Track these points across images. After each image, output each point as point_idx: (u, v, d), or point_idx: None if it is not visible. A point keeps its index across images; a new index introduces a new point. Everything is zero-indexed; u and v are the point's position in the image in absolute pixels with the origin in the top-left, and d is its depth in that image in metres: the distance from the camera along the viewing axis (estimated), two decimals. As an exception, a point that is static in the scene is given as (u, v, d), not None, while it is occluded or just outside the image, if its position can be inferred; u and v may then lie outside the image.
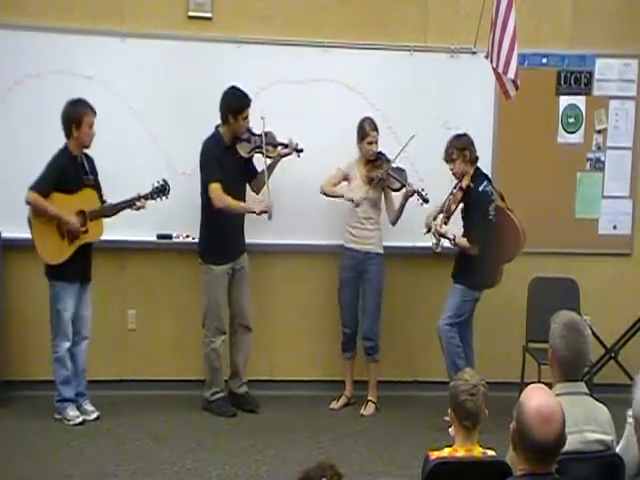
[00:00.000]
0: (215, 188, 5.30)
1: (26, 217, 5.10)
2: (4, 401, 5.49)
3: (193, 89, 5.69)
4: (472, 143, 5.41)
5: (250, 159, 5.54)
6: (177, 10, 5.73)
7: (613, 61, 6.12)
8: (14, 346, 5.67)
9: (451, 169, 5.42)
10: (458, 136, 5.45)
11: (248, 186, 5.60)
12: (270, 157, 5.46)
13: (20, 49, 5.52)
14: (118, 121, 5.54)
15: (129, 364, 5.89)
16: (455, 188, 5.43)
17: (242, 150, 5.46)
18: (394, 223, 5.66)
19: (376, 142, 5.55)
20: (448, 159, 5.40)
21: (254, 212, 5.36)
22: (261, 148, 5.42)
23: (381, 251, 5.65)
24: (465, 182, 5.38)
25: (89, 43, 5.57)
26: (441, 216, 5.37)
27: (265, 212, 5.31)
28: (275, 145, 5.49)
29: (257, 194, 5.56)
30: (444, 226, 5.35)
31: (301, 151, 5.52)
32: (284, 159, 5.51)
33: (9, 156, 5.55)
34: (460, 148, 5.37)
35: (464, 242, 5.36)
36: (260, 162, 5.53)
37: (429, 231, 5.40)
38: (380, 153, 5.58)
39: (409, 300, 6.06)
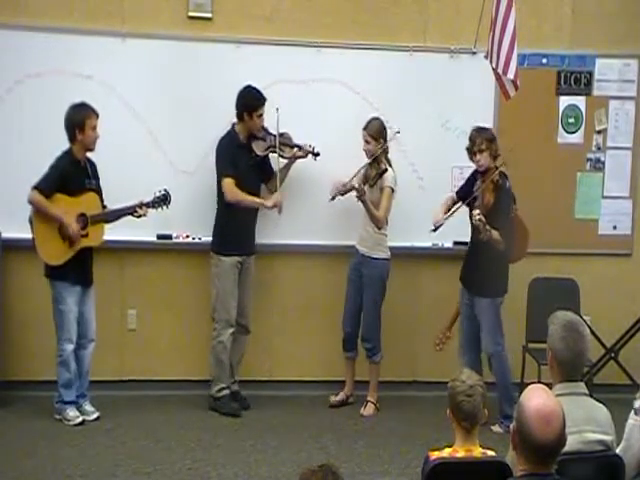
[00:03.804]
0: (228, 183, 5.36)
1: (27, 217, 5.09)
2: (4, 401, 5.49)
3: (193, 89, 5.69)
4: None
5: (266, 158, 5.57)
6: (177, 10, 5.73)
7: (613, 61, 6.12)
8: (14, 346, 5.67)
9: (477, 160, 5.29)
10: (484, 129, 5.36)
11: (264, 185, 5.64)
12: (285, 157, 5.50)
13: (20, 49, 5.51)
14: (118, 121, 5.53)
15: (129, 364, 5.89)
16: (480, 182, 5.32)
17: (257, 148, 5.49)
18: (378, 227, 5.54)
19: (366, 141, 5.51)
20: (477, 150, 5.25)
21: (266, 206, 5.44)
22: (276, 147, 5.45)
23: (377, 255, 5.57)
24: (496, 177, 5.26)
25: (89, 43, 5.57)
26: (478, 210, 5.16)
27: (276, 206, 5.42)
28: (291, 146, 5.54)
29: (272, 194, 5.57)
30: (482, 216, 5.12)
31: (317, 155, 5.56)
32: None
33: (9, 156, 5.54)
34: (490, 140, 5.28)
35: (497, 235, 5.17)
36: (276, 162, 5.56)
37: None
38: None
39: (409, 300, 6.06)
